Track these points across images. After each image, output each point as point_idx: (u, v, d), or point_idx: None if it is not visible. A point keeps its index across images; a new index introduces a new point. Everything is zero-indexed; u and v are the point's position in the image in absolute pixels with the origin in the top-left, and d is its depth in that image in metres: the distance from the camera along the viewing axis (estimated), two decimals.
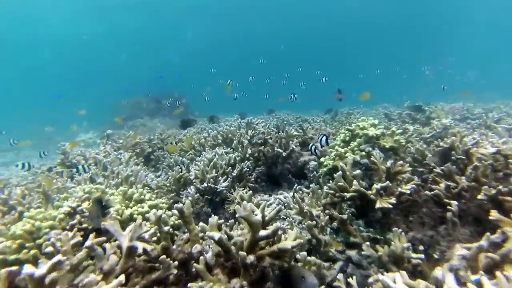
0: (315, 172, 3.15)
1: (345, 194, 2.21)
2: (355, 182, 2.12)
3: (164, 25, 27.11)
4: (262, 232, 1.35)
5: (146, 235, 1.32)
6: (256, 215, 1.44)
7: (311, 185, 2.65)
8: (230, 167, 3.17)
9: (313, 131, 4.22)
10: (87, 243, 1.19)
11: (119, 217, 1.95)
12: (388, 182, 2.02)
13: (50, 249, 1.32)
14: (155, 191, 3.01)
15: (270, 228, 1.35)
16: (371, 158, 2.42)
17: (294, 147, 3.40)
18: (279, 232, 1.48)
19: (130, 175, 2.92)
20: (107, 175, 3.01)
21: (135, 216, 2.07)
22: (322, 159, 3.06)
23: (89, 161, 3.51)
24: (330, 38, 33.86)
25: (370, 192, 2.10)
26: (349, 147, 2.89)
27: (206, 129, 5.27)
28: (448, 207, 1.79)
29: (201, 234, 1.57)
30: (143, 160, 4.00)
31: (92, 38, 27.20)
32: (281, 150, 3.35)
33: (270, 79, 7.75)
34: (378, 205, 1.99)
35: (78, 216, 1.74)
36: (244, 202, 1.39)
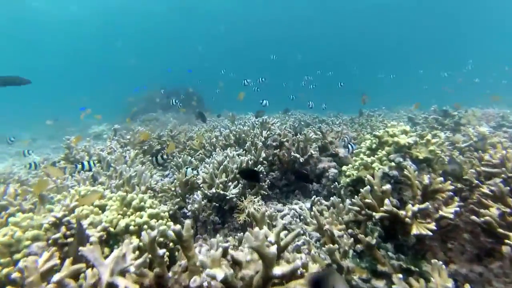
0: (336, 183, 2.82)
1: (373, 213, 1.89)
2: (387, 201, 1.80)
3: (176, 26, 27.08)
4: (277, 271, 1.07)
5: (132, 268, 1.06)
6: (270, 242, 1.16)
7: (331, 198, 2.34)
8: None
9: (333, 134, 3.89)
10: (55, 278, 0.94)
11: (112, 229, 1.71)
12: (427, 204, 1.69)
13: (17, 275, 1.08)
14: (159, 194, 2.77)
15: (288, 266, 1.07)
16: (405, 172, 2.08)
17: (313, 152, 3.09)
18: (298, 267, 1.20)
19: (133, 176, 2.69)
20: (110, 175, 2.79)
21: (131, 228, 1.82)
22: (344, 167, 2.74)
23: (93, 158, 3.32)
24: (349, 41, 33.15)
25: (403, 213, 1.78)
26: (376, 156, 2.56)
27: (218, 127, 5.01)
28: (507, 241, 1.46)
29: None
30: (150, 158, 3.78)
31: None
32: (298, 156, 3.04)
33: (287, 83, 7.63)
34: (414, 231, 1.66)
35: (63, 229, 1.50)
36: (256, 229, 1.11)
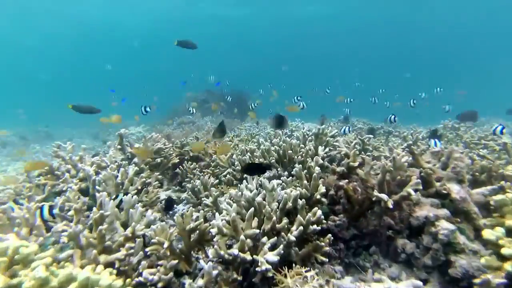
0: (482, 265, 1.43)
1: None
2: None
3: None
4: None
5: None
6: None
7: None
8: (285, 217, 1.71)
9: (428, 157, 2.52)
10: None
11: None
12: None
13: None
14: (149, 248, 1.69)
15: None
16: None
17: (412, 191, 1.77)
18: None
19: (106, 216, 1.65)
20: (78, 208, 1.79)
21: None
22: (489, 234, 1.40)
23: (79, 174, 2.38)
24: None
25: None
26: None
27: (257, 137, 3.86)
28: None
29: None
30: (159, 176, 2.76)
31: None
32: (385, 197, 1.76)
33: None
34: None
35: None
36: None
